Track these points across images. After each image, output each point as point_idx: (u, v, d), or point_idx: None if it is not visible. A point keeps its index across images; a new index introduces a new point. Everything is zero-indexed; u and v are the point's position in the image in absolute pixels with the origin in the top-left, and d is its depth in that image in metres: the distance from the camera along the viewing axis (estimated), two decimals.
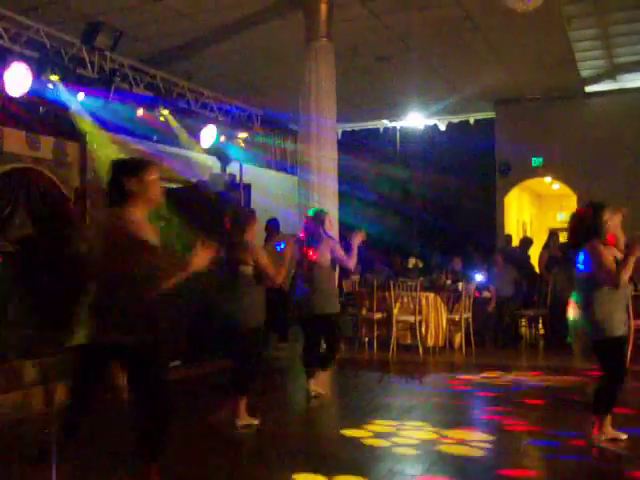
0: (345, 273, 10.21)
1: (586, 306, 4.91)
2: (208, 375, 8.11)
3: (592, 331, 4.88)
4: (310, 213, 6.93)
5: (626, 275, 4.78)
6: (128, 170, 3.79)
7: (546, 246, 11.22)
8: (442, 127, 16.04)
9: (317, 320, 6.66)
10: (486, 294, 10.61)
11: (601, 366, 5.00)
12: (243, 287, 5.56)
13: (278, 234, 10.67)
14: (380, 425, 5.76)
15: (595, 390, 5.01)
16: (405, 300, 9.66)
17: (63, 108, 8.84)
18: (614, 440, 4.96)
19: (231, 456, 4.99)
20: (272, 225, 10.57)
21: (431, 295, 9.82)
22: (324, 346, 7.05)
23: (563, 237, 12.36)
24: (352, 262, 6.85)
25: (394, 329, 9.46)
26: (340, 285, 9.94)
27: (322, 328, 6.76)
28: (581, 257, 4.98)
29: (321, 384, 6.94)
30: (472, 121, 15.74)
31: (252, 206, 10.82)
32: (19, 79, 7.40)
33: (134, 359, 3.60)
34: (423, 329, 9.66)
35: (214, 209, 9.70)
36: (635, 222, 12.91)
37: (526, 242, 12.29)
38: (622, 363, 5.04)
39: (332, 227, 7.16)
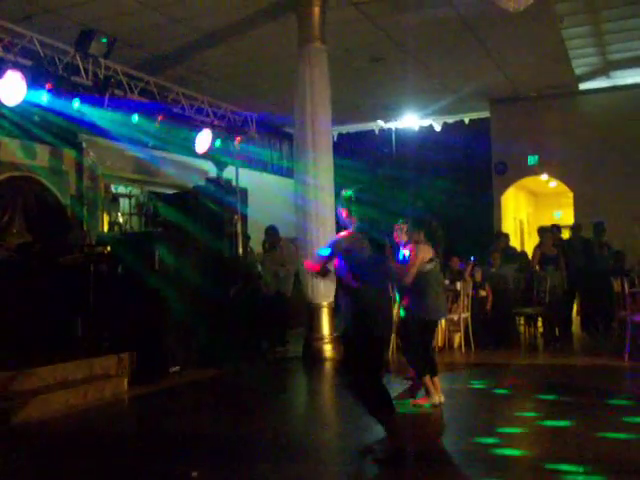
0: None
1: None
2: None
3: None
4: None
5: None
6: None
7: (539, 244, 11.17)
8: (437, 127, 16.07)
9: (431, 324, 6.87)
10: (482, 293, 10.58)
11: None
12: None
13: (279, 239, 10.71)
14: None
15: None
16: None
17: (58, 116, 8.85)
18: None
19: None
20: (273, 232, 10.72)
21: None
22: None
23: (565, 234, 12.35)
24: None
25: (393, 329, 9.42)
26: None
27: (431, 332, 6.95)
28: None
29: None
30: (467, 121, 15.76)
31: (249, 210, 10.84)
32: (14, 88, 7.39)
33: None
34: None
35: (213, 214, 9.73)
36: (631, 217, 13.00)
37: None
38: None
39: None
